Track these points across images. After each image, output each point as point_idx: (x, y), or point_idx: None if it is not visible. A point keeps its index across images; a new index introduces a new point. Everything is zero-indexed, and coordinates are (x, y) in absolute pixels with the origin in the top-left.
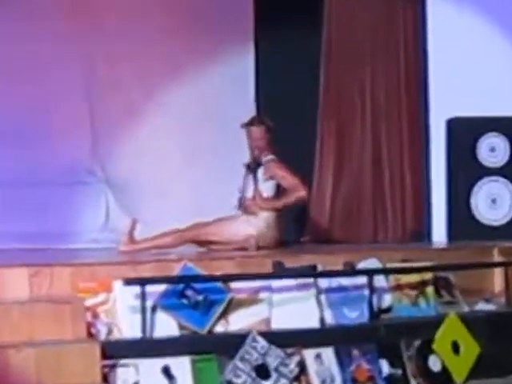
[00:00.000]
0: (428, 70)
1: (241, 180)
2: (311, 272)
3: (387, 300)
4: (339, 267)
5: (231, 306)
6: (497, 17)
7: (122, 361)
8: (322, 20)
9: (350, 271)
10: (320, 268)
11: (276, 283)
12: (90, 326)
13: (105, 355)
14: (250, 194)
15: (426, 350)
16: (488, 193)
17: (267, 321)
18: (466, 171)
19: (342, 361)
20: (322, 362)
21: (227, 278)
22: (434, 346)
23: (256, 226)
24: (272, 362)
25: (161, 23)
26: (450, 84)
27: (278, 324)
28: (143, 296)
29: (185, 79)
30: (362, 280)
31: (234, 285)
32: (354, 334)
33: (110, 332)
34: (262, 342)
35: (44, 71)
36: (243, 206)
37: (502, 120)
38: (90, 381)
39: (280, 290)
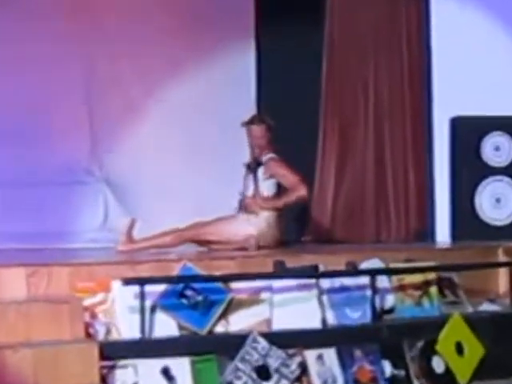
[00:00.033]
0: (431, 67)
1: (241, 179)
2: (313, 272)
3: (390, 300)
4: (341, 267)
5: (231, 307)
6: (501, 14)
7: (121, 362)
8: (324, 16)
9: (353, 271)
10: (322, 268)
11: (277, 283)
12: (88, 326)
13: (103, 356)
14: (250, 193)
15: (429, 350)
16: (492, 192)
17: (268, 321)
18: (470, 170)
19: (344, 362)
20: (323, 362)
21: (227, 278)
22: (438, 347)
23: (256, 225)
24: (273, 363)
25: (161, 21)
26: (454, 82)
27: (279, 324)
28: (142, 296)
29: (185, 77)
30: (365, 280)
31: (235, 285)
32: (357, 334)
33: (108, 332)
34: (262, 343)
35: (43, 71)
36: (243, 205)
37: (506, 119)
38: (88, 382)
39: (281, 290)
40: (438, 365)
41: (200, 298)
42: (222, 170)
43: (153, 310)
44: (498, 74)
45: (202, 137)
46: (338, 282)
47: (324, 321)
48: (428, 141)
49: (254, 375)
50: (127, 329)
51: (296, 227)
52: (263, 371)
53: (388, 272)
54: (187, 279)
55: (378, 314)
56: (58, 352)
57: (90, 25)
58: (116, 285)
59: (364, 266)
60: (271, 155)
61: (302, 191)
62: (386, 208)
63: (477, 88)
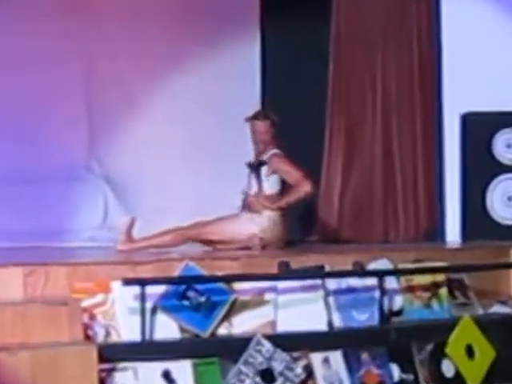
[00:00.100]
0: (442, 63)
1: (243, 177)
2: (319, 273)
3: (398, 302)
4: (348, 268)
5: (235, 308)
6: None
7: (121, 364)
8: (331, 9)
9: (360, 272)
10: (328, 268)
11: (282, 284)
12: (86, 327)
13: (102, 358)
14: (253, 191)
15: (438, 354)
16: (504, 190)
17: (273, 323)
18: (481, 168)
19: (351, 365)
20: (329, 366)
21: (230, 279)
22: (448, 350)
23: (260, 224)
24: (277, 367)
25: (162, 18)
26: (465, 78)
27: (283, 327)
28: (143, 297)
29: (187, 73)
30: (372, 281)
31: (238, 286)
32: (364, 337)
33: (107, 334)
34: (267, 346)
35: (43, 68)
36: (246, 204)
37: None
38: None
39: (286, 291)
40: (447, 368)
41: (202, 299)
42: (223, 168)
43: (153, 311)
44: (509, 70)
45: (204, 134)
46: (344, 282)
47: (330, 323)
48: (438, 138)
49: (258, 379)
50: (127, 331)
51: (301, 226)
52: (267, 375)
53: (396, 273)
54: (189, 280)
55: (386, 316)
56: (56, 354)
57: (90, 23)
58: (116, 285)
59: (372, 266)
60: (275, 151)
61: (306, 187)
62: (395, 207)
63: (488, 84)
